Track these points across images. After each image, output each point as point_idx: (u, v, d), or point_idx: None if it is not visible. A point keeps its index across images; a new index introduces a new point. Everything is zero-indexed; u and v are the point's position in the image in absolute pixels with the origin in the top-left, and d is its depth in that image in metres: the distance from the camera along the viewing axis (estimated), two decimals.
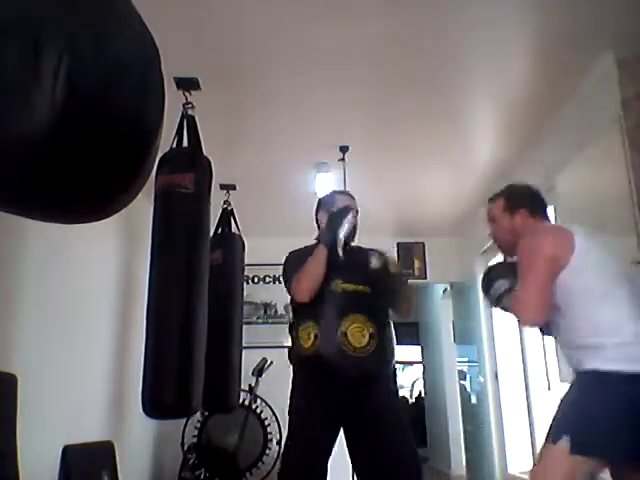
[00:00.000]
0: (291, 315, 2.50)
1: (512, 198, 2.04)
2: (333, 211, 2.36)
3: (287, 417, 2.31)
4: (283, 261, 2.48)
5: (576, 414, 1.67)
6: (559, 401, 1.77)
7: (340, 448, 2.27)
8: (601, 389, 1.64)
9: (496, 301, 2.00)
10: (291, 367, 2.41)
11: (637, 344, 1.65)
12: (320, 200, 2.60)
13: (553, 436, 1.68)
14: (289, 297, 2.42)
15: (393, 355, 2.33)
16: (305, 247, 2.46)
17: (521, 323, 2.02)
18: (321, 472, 2.21)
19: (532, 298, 1.76)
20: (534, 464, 1.82)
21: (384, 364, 2.29)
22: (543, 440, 1.74)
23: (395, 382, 2.39)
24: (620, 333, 1.67)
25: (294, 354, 2.35)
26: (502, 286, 1.98)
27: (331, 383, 2.19)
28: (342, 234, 2.28)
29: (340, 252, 2.26)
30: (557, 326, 1.83)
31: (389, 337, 2.30)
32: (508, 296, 1.93)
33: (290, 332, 2.40)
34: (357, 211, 2.46)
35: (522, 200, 2.03)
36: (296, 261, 2.37)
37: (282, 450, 2.32)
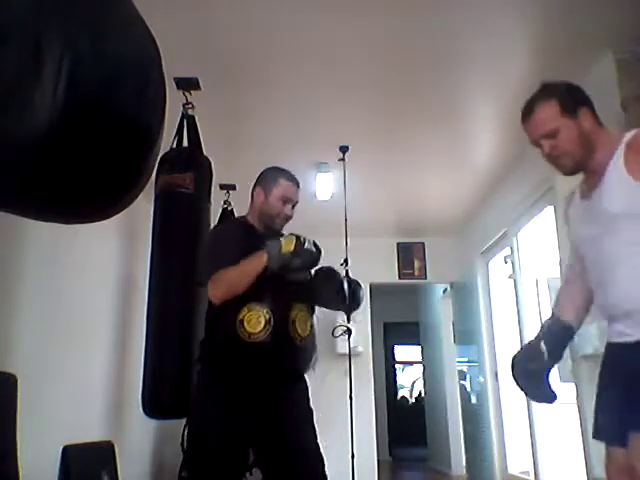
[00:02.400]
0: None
1: (569, 95, 1.64)
2: (305, 249, 2.03)
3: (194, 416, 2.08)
4: (209, 236, 2.23)
5: None
6: None
7: None
8: None
9: None
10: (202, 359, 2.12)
11: None
12: (263, 174, 2.33)
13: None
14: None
15: (316, 349, 2.16)
16: (234, 222, 2.18)
17: None
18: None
19: None
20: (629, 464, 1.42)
21: (314, 357, 2.12)
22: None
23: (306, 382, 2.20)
24: None
25: (225, 339, 2.00)
26: None
27: (269, 375, 1.98)
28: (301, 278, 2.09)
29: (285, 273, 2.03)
30: None
31: (315, 332, 2.15)
32: None
33: (217, 315, 2.04)
34: (296, 202, 2.29)
35: (581, 97, 1.64)
36: (225, 244, 2.07)
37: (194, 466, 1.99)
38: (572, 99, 1.62)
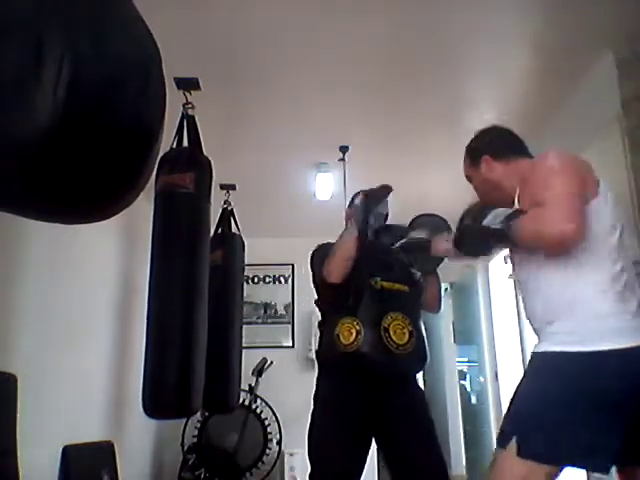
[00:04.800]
0: (319, 312, 2.38)
1: (471, 151, 1.88)
2: (372, 189, 2.22)
3: (309, 420, 2.22)
4: (310, 255, 2.39)
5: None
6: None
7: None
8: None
9: (502, 231, 1.56)
10: (316, 367, 2.31)
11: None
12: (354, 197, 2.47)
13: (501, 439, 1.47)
14: (316, 292, 2.32)
15: (427, 355, 2.26)
16: (330, 243, 2.38)
17: (551, 243, 1.46)
18: None
19: (564, 211, 1.41)
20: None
21: (421, 364, 2.24)
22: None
23: (418, 384, 2.34)
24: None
25: (328, 352, 2.21)
26: (500, 213, 1.61)
27: (367, 382, 2.11)
28: (372, 219, 2.20)
29: (369, 236, 2.17)
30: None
31: (424, 337, 2.25)
32: (519, 219, 1.52)
33: (321, 329, 2.29)
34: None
35: (480, 147, 1.85)
36: (325, 250, 2.27)
37: (312, 460, 2.15)
38: (474, 152, 1.87)
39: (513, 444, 1.40)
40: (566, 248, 1.46)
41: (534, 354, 1.53)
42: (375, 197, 2.22)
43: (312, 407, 2.24)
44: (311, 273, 2.34)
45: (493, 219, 1.62)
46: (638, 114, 2.58)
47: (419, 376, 2.45)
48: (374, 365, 2.09)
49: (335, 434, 2.11)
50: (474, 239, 1.71)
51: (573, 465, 1.41)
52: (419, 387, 2.30)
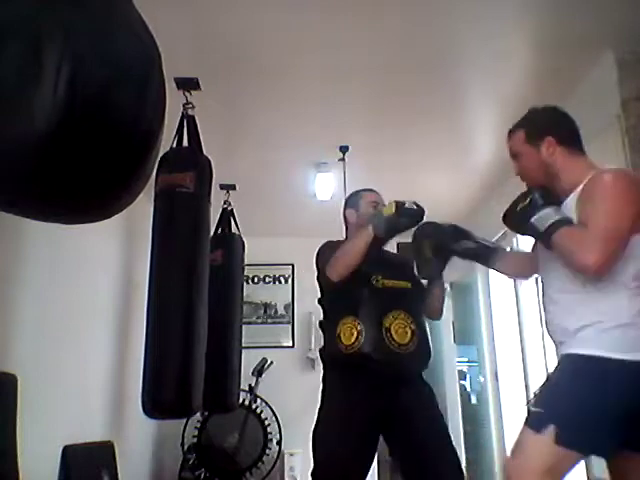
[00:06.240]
0: (321, 312, 2.37)
1: (532, 125, 1.76)
2: (406, 208, 2.11)
3: (315, 419, 2.19)
4: (316, 251, 2.36)
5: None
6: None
7: None
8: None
9: (544, 234, 1.60)
10: (321, 366, 2.30)
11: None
12: (347, 199, 2.55)
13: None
14: (319, 290, 2.30)
15: (431, 355, 2.25)
16: (338, 240, 2.38)
17: (576, 267, 1.54)
18: None
19: (601, 240, 1.48)
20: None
21: (424, 362, 2.22)
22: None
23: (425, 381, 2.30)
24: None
25: (330, 352, 2.21)
26: (551, 216, 1.61)
27: (371, 382, 2.09)
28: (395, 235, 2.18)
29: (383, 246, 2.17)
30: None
31: (427, 334, 2.23)
32: (560, 231, 1.57)
33: (323, 329, 2.28)
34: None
35: (546, 126, 1.74)
36: (333, 248, 2.24)
37: (316, 458, 2.13)
38: (537, 128, 1.75)
39: (551, 431, 1.47)
40: (588, 276, 1.54)
41: (576, 355, 1.57)
42: (409, 217, 2.13)
43: (319, 404, 2.23)
44: (316, 270, 2.32)
45: (542, 218, 1.62)
46: (638, 114, 2.58)
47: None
48: (376, 365, 2.07)
49: (340, 433, 2.08)
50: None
51: (599, 455, 1.58)
52: (425, 383, 2.27)
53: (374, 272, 2.20)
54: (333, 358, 2.20)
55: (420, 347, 2.15)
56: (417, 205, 2.13)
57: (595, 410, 1.48)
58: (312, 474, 2.12)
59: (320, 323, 2.34)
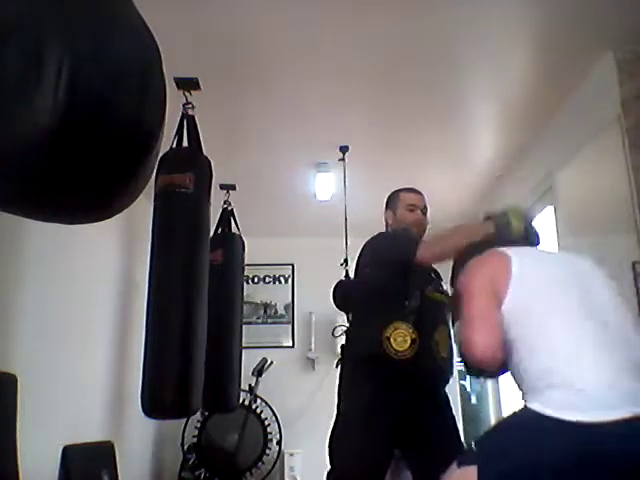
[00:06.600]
0: (357, 308, 2.36)
1: None
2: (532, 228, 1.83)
3: (336, 412, 2.21)
4: (380, 238, 2.30)
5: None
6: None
7: None
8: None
9: None
10: (341, 363, 2.34)
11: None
12: (388, 199, 2.50)
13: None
14: (370, 283, 2.26)
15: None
16: (408, 229, 2.32)
17: (472, 363, 1.47)
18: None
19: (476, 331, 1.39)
20: None
21: (452, 375, 2.28)
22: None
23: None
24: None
25: (373, 353, 2.13)
26: None
27: (411, 389, 2.11)
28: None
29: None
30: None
31: (453, 350, 2.24)
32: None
33: (358, 325, 2.29)
34: (427, 208, 2.41)
35: None
36: (409, 233, 2.23)
37: (334, 450, 2.15)
38: None
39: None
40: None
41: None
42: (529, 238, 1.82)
43: (342, 400, 2.23)
44: (370, 259, 2.26)
45: None
46: (638, 114, 2.58)
47: None
48: (429, 375, 2.14)
49: (369, 431, 2.06)
50: None
51: None
52: (446, 394, 2.30)
53: (427, 282, 2.24)
54: (374, 358, 2.13)
55: (451, 359, 2.22)
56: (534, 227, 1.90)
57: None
58: (329, 473, 2.12)
59: (352, 322, 2.36)
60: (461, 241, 1.85)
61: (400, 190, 2.45)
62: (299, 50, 2.78)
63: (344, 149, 3.82)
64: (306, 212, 4.87)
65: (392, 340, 2.09)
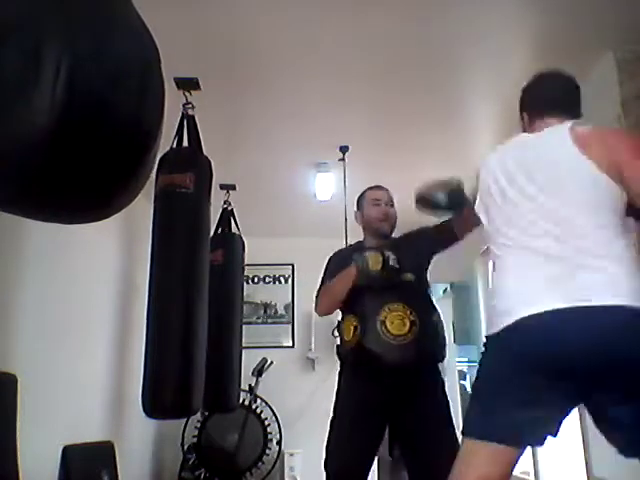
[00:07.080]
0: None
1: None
2: (391, 266, 2.16)
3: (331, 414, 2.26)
4: (326, 261, 2.44)
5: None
6: None
7: None
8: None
9: None
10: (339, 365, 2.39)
11: None
12: (356, 200, 2.55)
13: None
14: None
15: (439, 344, 2.23)
16: (349, 247, 2.46)
17: None
18: (363, 471, 2.16)
19: None
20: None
21: (428, 353, 2.20)
22: None
23: (439, 373, 2.28)
24: None
25: (339, 350, 2.32)
26: None
27: (371, 374, 2.15)
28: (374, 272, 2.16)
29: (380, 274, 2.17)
30: None
31: (434, 325, 2.21)
32: None
33: (337, 330, 2.39)
34: (392, 201, 2.44)
35: (520, 104, 1.99)
36: (334, 267, 2.33)
37: (327, 447, 2.22)
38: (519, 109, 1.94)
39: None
40: None
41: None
42: (392, 274, 2.19)
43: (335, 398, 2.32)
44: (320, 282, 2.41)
45: None
46: (638, 114, 2.58)
47: None
48: (372, 358, 2.11)
49: (348, 424, 2.18)
50: None
51: (506, 443, 1.36)
52: (435, 375, 2.25)
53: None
54: (340, 355, 2.31)
55: (421, 337, 2.12)
56: (399, 262, 2.18)
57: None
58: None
59: (338, 323, 2.42)
60: (339, 287, 2.23)
61: (365, 190, 2.52)
62: (299, 50, 2.78)
63: (344, 149, 3.82)
64: (306, 212, 4.87)
65: (344, 332, 2.24)
